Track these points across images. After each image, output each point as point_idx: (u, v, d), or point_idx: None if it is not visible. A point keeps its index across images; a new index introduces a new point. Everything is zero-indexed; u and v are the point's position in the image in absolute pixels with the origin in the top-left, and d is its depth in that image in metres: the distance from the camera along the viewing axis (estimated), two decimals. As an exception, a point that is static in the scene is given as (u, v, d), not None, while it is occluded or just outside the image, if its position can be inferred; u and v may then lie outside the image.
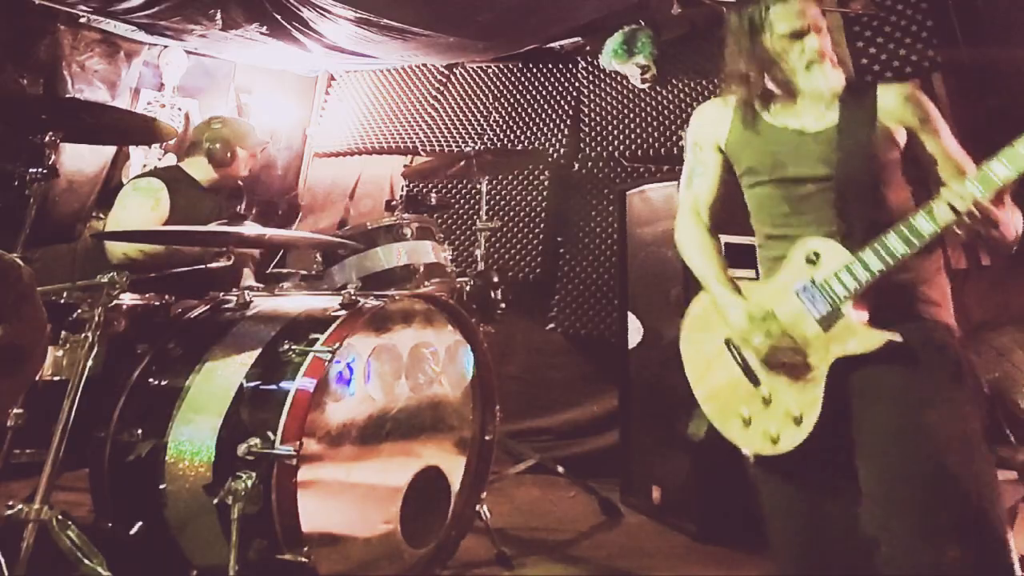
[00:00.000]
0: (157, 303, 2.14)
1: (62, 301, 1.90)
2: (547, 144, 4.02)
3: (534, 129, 4.11)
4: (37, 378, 1.83)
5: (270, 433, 1.63)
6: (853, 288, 1.35)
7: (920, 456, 1.27)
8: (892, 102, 1.48)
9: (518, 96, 4.22)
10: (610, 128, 3.86)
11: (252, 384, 1.76)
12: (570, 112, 4.04)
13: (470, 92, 4.36)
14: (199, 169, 2.90)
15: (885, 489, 1.30)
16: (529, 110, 4.16)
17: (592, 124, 3.93)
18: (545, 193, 3.96)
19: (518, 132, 4.14)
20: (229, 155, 2.89)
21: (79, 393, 1.72)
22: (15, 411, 1.77)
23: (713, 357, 1.57)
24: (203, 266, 2.27)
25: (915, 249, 1.29)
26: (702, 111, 1.72)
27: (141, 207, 2.67)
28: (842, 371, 1.36)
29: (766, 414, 1.43)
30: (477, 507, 2.25)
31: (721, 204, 1.68)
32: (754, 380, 1.47)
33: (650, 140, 3.70)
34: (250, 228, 2.11)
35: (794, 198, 1.50)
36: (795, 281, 1.44)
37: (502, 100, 4.25)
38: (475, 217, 3.72)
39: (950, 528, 1.22)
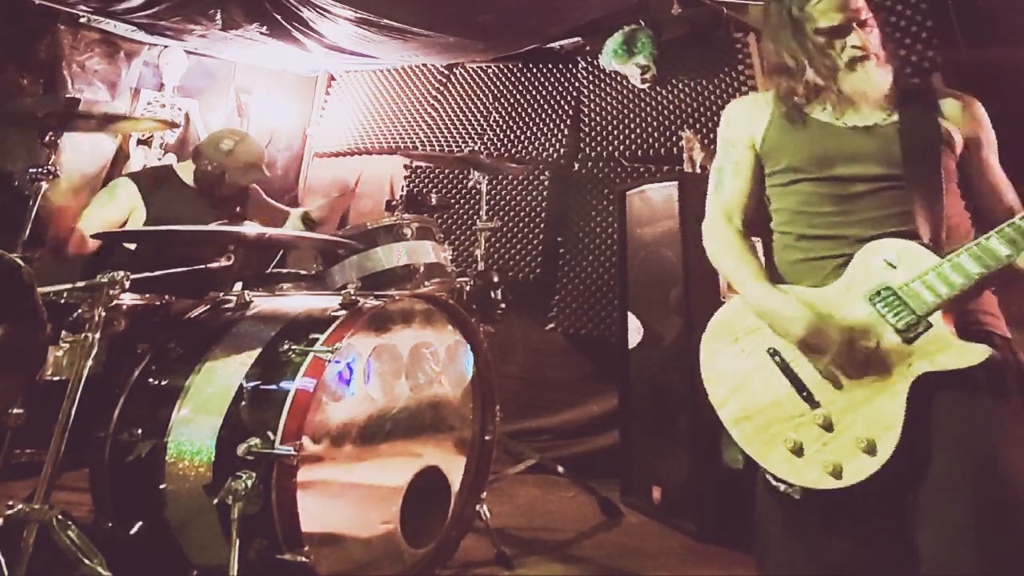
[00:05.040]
0: (157, 303, 2.14)
1: (62, 301, 1.89)
2: (547, 144, 4.02)
3: (534, 129, 4.11)
4: (37, 378, 1.84)
5: (270, 433, 1.63)
6: (945, 295, 1.20)
7: (995, 499, 1.14)
8: (953, 108, 1.42)
9: (518, 96, 4.22)
10: (610, 128, 3.86)
11: (252, 384, 1.76)
12: (570, 112, 4.04)
13: (470, 92, 4.36)
14: (189, 174, 2.91)
15: (956, 528, 1.14)
16: (529, 110, 4.16)
17: (592, 124, 3.93)
18: (545, 193, 3.96)
19: (518, 132, 4.14)
20: (216, 180, 2.87)
21: (79, 393, 1.72)
22: (15, 411, 1.77)
23: (750, 371, 1.35)
24: (203, 266, 2.28)
25: (1021, 254, 1.17)
26: (735, 107, 1.61)
27: (98, 203, 2.79)
28: (923, 391, 1.20)
29: (826, 441, 1.23)
30: (477, 507, 2.25)
31: (755, 206, 1.54)
32: (810, 400, 1.27)
33: (650, 140, 3.70)
34: (250, 228, 2.11)
35: (842, 197, 1.37)
36: (864, 285, 1.28)
37: (502, 100, 4.25)
38: (475, 217, 3.71)
39: None
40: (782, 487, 1.26)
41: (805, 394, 1.28)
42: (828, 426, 1.24)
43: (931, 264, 1.23)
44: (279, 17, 3.64)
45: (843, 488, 1.20)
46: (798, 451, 1.25)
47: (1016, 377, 1.27)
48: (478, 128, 4.25)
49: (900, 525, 1.22)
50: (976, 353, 1.18)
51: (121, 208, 2.77)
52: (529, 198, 3.98)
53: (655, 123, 3.71)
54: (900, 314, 1.24)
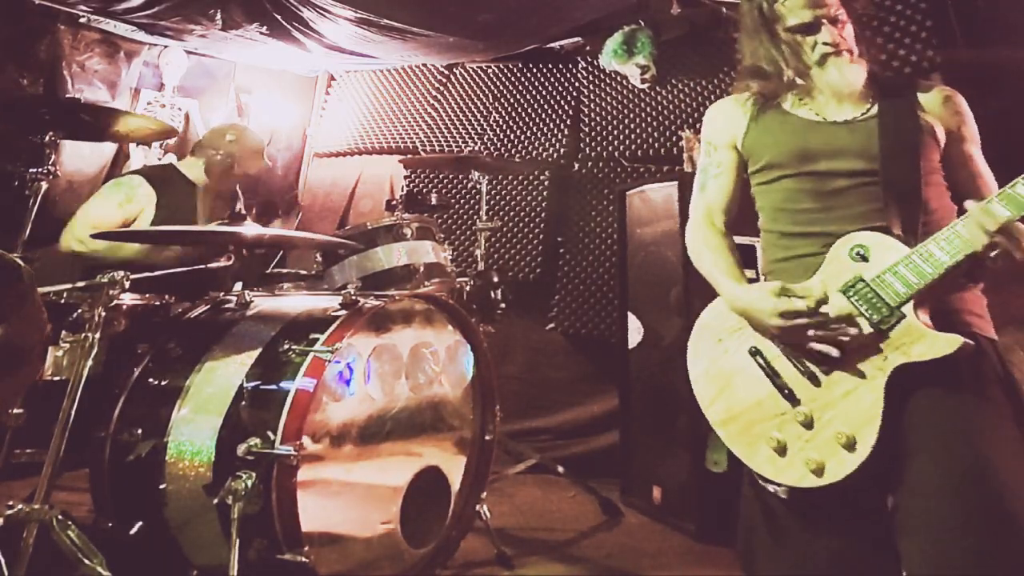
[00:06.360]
0: (157, 303, 2.14)
1: (62, 301, 1.90)
2: (547, 144, 4.02)
3: (534, 129, 4.11)
4: (37, 378, 1.83)
5: (270, 433, 1.63)
6: (916, 285, 1.19)
7: (982, 501, 1.11)
8: (933, 100, 1.41)
9: (518, 96, 4.22)
10: (610, 128, 3.86)
11: (252, 384, 1.76)
12: (570, 112, 4.04)
13: (470, 92, 4.37)
14: (195, 170, 2.92)
15: (943, 533, 1.12)
16: (529, 110, 4.16)
17: (592, 124, 3.93)
18: (545, 193, 3.96)
19: (518, 132, 4.14)
20: (226, 169, 2.95)
21: (79, 393, 1.72)
22: (15, 411, 1.77)
23: (733, 372, 1.35)
24: (203, 266, 2.28)
25: (992, 240, 1.14)
26: (715, 110, 1.62)
27: (107, 201, 2.70)
28: (900, 384, 1.18)
29: (807, 438, 1.22)
30: (477, 507, 2.25)
31: (737, 207, 1.54)
32: (791, 398, 1.26)
33: (650, 140, 3.70)
34: (250, 228, 2.11)
35: (823, 193, 1.37)
36: (838, 279, 1.28)
37: (502, 100, 4.25)
38: (475, 217, 3.72)
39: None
40: (771, 487, 1.26)
41: (786, 392, 1.27)
42: (809, 423, 1.23)
43: (902, 255, 1.23)
44: (279, 17, 3.65)
45: (828, 487, 1.18)
46: (781, 450, 1.24)
47: (1000, 378, 1.26)
48: (478, 128, 4.25)
49: (887, 529, 1.20)
50: (949, 343, 1.16)
51: (137, 208, 2.71)
52: (529, 198, 3.99)
53: (655, 123, 3.71)
54: (874, 306, 1.23)
